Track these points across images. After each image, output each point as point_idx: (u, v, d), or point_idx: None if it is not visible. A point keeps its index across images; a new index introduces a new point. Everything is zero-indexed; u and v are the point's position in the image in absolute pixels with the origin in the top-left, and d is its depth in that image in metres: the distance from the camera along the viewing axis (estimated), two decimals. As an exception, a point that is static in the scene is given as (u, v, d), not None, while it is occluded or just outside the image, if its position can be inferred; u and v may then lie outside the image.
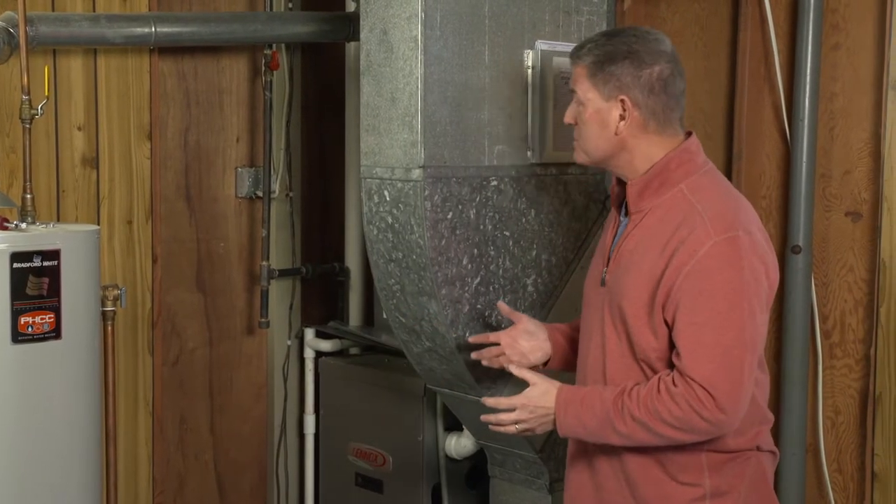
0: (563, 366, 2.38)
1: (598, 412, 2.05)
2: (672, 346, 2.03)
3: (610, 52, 2.10)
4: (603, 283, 2.15)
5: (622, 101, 2.09)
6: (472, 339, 2.49)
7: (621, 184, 2.19)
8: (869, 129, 2.87)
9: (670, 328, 2.02)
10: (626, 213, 2.16)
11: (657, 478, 2.09)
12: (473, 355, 2.46)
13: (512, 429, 2.18)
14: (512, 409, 2.16)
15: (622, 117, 2.10)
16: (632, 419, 2.01)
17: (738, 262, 1.98)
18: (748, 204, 2.14)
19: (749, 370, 1.99)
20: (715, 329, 1.96)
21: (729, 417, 1.96)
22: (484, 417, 2.23)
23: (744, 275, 1.98)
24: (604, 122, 2.12)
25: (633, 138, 2.11)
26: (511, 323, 2.41)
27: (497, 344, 2.39)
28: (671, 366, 2.02)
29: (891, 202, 2.81)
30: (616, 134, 2.11)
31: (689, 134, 2.17)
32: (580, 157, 2.21)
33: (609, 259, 2.16)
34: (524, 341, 2.36)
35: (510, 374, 2.32)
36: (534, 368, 2.32)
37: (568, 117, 2.21)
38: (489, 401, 2.22)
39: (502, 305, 2.44)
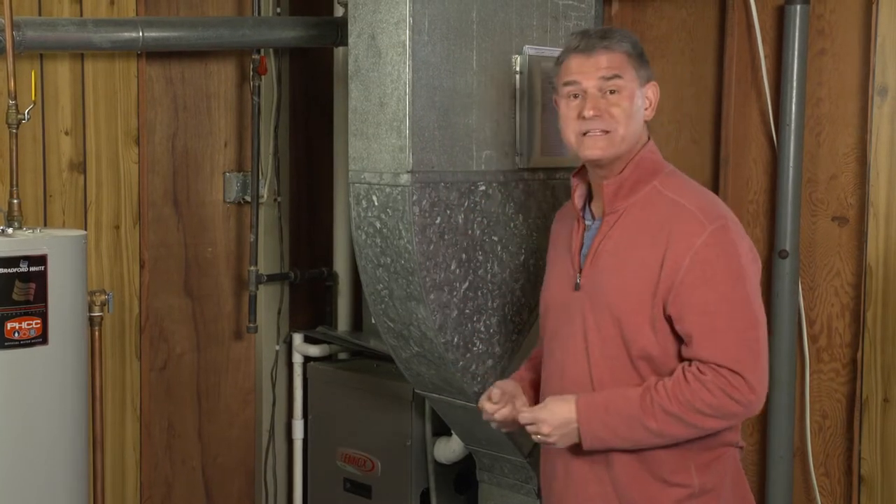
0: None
1: (625, 414, 2.02)
2: (676, 339, 2.04)
3: (636, 41, 2.16)
4: (577, 287, 2.14)
5: (655, 84, 2.15)
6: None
7: (586, 183, 2.19)
8: (855, 134, 2.88)
9: (671, 323, 2.03)
10: (593, 217, 2.17)
11: (645, 480, 2.09)
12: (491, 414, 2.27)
13: (533, 438, 2.15)
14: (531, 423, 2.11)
15: (648, 104, 2.15)
16: (664, 413, 1.99)
17: (734, 247, 2.04)
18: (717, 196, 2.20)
19: (764, 347, 2.03)
20: (726, 314, 2.00)
21: (758, 396, 2.00)
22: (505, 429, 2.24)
23: (741, 259, 2.03)
24: (638, 108, 2.13)
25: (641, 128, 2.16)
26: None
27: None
28: (674, 360, 2.04)
29: (877, 207, 2.82)
30: (645, 120, 2.15)
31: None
32: (608, 148, 2.09)
33: (582, 263, 2.15)
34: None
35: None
36: None
37: (594, 109, 2.09)
38: (525, 416, 2.12)
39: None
